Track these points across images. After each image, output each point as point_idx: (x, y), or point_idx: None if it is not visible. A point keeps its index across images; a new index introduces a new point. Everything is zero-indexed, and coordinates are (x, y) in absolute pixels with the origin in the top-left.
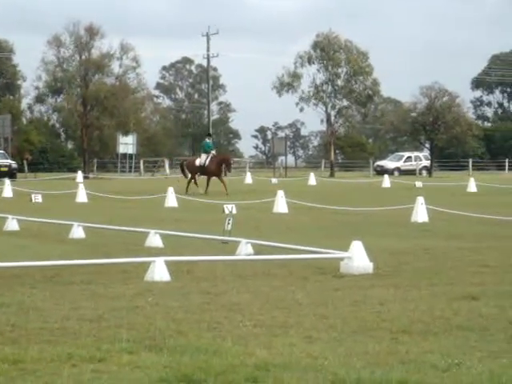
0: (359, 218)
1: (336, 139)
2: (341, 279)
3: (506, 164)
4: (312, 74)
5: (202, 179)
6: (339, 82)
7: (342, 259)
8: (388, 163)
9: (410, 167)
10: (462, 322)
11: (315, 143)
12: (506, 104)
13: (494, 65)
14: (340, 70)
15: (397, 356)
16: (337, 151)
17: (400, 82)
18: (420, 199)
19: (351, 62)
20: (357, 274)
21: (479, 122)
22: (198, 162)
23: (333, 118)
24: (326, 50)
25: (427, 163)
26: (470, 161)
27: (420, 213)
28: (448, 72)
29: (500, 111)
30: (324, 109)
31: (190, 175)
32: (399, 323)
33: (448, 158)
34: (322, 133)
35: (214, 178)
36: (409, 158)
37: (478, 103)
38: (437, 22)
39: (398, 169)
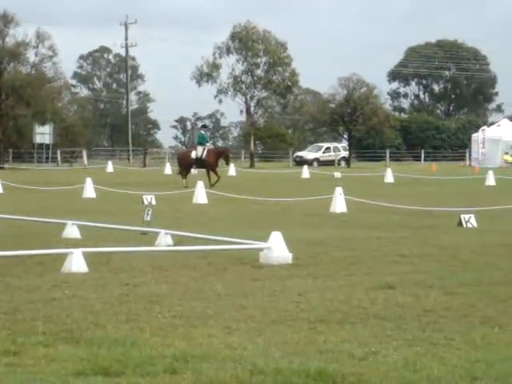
0: (279, 209)
1: (256, 130)
2: (260, 270)
3: (422, 155)
4: (231, 65)
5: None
6: (258, 73)
7: (261, 250)
8: (307, 154)
9: (329, 158)
10: (379, 311)
11: (235, 134)
12: (421, 96)
13: (409, 57)
14: (259, 61)
15: (315, 345)
16: (257, 142)
17: (319, 73)
18: (338, 190)
19: (270, 53)
20: (276, 265)
21: (396, 114)
22: (193, 154)
23: (252, 108)
24: (245, 41)
25: (346, 154)
26: (388, 151)
27: (338, 203)
28: (366, 64)
29: (416, 103)
30: (243, 99)
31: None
32: (317, 313)
33: (366, 148)
34: (242, 123)
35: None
36: (328, 148)
37: (394, 95)
38: (355, 14)
39: (317, 159)
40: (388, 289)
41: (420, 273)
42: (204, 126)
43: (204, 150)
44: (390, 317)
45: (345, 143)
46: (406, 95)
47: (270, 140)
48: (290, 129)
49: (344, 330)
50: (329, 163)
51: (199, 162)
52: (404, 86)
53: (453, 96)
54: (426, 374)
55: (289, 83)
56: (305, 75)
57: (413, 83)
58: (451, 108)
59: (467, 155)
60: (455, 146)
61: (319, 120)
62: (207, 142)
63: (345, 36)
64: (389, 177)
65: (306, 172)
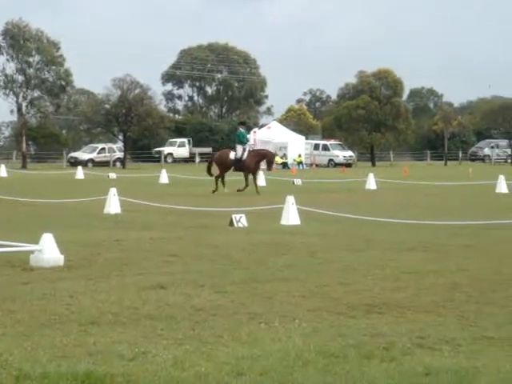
0: (51, 211)
1: (28, 130)
2: (31, 272)
3: (197, 155)
4: (2, 63)
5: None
6: (31, 72)
7: (31, 252)
8: (82, 155)
9: (104, 159)
10: (151, 311)
11: (6, 134)
12: (195, 98)
13: (182, 60)
14: (32, 60)
15: (84, 348)
16: (29, 142)
17: (94, 74)
18: (113, 190)
19: (43, 52)
20: (47, 267)
21: (171, 115)
22: (232, 155)
23: (24, 108)
24: (16, 39)
25: (121, 155)
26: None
27: (113, 204)
28: (140, 65)
29: (190, 104)
30: (15, 99)
31: (217, 172)
32: (88, 315)
33: (141, 149)
34: (14, 123)
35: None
36: (102, 149)
37: (169, 96)
38: (127, 15)
39: (91, 160)
40: (160, 289)
41: (192, 272)
42: (242, 123)
43: (244, 150)
44: (161, 316)
45: (120, 144)
46: (180, 97)
47: (43, 140)
48: (64, 129)
49: (115, 331)
50: (104, 164)
51: (237, 164)
52: (178, 88)
53: (225, 98)
54: (193, 372)
55: (62, 83)
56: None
57: (186, 85)
58: (224, 110)
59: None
60: (228, 148)
61: (93, 120)
62: (247, 141)
63: (119, 37)
64: (164, 178)
65: (80, 173)
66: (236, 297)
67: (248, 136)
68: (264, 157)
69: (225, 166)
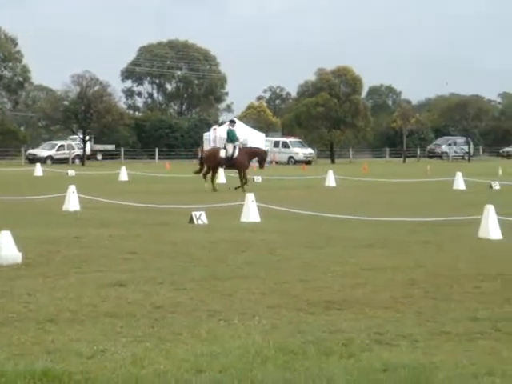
0: (9, 208)
1: None
2: None
3: (156, 153)
4: None
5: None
6: None
7: None
8: (41, 151)
9: (63, 156)
10: (110, 309)
11: None
12: (155, 95)
13: (142, 57)
14: None
15: (42, 346)
16: None
17: (52, 70)
18: (72, 188)
19: (0, 48)
20: (5, 265)
21: (130, 112)
22: (222, 153)
23: None
24: None
25: (80, 152)
26: (122, 150)
27: (72, 201)
28: (99, 61)
29: (150, 101)
30: None
31: (204, 169)
32: (46, 312)
33: None
34: None
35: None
36: (62, 146)
37: (129, 93)
38: (87, 10)
39: (50, 157)
40: (119, 286)
41: (152, 270)
42: (232, 122)
43: (235, 148)
44: (121, 314)
45: (79, 141)
46: (140, 94)
47: (1, 137)
48: (23, 126)
49: (73, 328)
50: (63, 161)
51: (228, 162)
52: (138, 85)
53: (185, 95)
54: (152, 370)
55: (20, 79)
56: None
57: (146, 82)
58: (184, 107)
59: (199, 153)
60: (188, 145)
61: (52, 117)
62: (237, 139)
63: (79, 33)
64: (123, 175)
65: (39, 170)
66: (195, 294)
67: (237, 135)
68: (255, 154)
69: (215, 164)
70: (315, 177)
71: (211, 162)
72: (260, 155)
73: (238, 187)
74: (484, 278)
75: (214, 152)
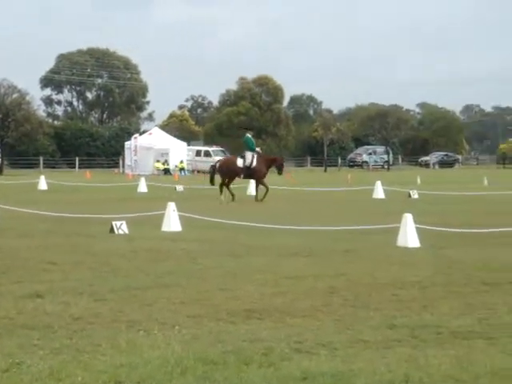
0: None
1: None
2: None
3: (77, 162)
4: None
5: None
6: None
7: None
8: None
9: None
10: (27, 321)
11: None
12: (75, 103)
13: (61, 64)
14: None
15: None
16: None
17: None
18: None
19: None
20: None
21: (50, 121)
22: (239, 162)
23: None
24: None
25: None
26: (41, 159)
27: None
28: (17, 69)
29: (70, 110)
30: None
31: (221, 179)
32: None
33: (19, 155)
34: None
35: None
36: None
37: (48, 101)
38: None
39: None
40: (37, 297)
41: (71, 280)
42: (248, 129)
43: (253, 156)
44: (38, 326)
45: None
46: (59, 102)
47: None
48: None
49: None
50: None
51: (247, 172)
52: (57, 93)
53: (106, 104)
54: (70, 382)
55: None
56: None
57: (66, 90)
58: (105, 116)
59: (120, 162)
60: (109, 154)
61: None
62: (256, 147)
63: None
64: (42, 184)
65: None
66: (115, 304)
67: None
68: (274, 161)
69: (231, 174)
70: (238, 185)
71: (227, 173)
72: (279, 161)
73: (263, 198)
74: (402, 285)
75: (230, 161)
